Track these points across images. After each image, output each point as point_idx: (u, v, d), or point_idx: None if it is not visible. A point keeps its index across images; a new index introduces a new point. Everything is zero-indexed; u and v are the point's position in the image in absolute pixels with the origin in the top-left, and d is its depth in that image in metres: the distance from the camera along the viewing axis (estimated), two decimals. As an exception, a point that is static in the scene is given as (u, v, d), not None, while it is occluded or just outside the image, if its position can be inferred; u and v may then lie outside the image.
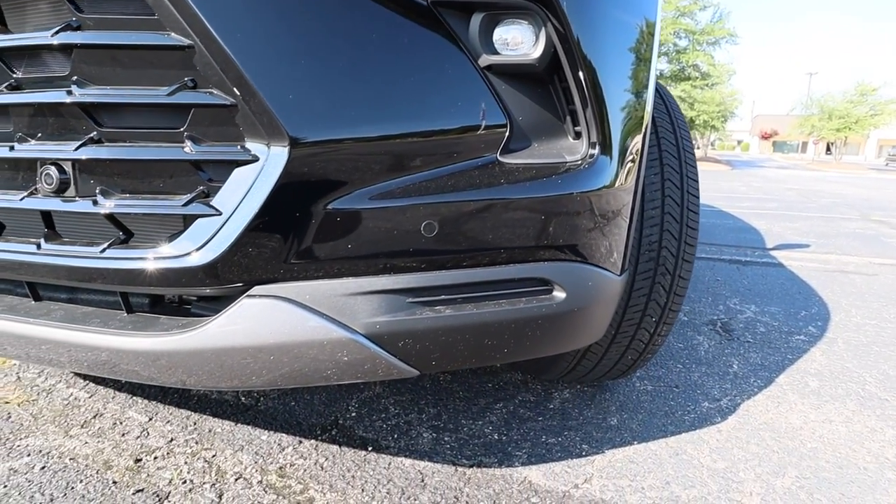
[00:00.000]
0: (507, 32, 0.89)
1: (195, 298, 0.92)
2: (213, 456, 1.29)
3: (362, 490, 1.18)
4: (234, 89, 0.74)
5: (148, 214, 0.81)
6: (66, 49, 0.78)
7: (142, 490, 1.16)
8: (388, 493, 1.17)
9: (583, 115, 0.94)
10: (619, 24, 1.04)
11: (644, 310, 1.34)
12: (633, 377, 1.78)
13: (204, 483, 1.19)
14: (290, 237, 0.78)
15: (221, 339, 0.81)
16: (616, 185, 0.99)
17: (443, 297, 0.86)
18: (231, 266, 0.78)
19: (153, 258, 0.79)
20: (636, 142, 1.05)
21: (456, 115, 0.85)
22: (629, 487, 1.22)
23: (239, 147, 0.77)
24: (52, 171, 0.81)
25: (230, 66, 0.73)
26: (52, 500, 1.11)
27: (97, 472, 1.21)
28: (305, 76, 0.76)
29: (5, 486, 1.15)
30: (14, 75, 0.82)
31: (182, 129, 0.78)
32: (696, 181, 1.40)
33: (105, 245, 0.81)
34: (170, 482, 1.19)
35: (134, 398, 1.55)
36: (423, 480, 1.22)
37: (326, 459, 1.29)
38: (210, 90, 0.76)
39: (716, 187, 10.47)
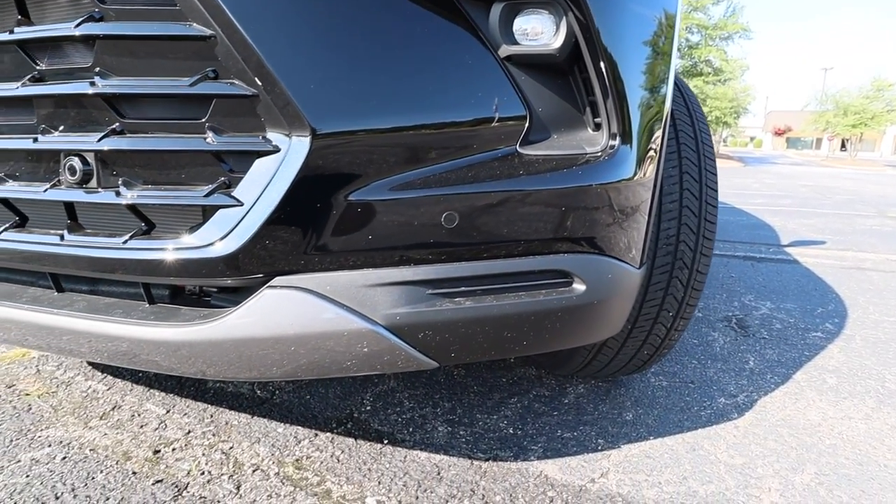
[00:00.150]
0: (527, 22, 0.88)
1: (215, 290, 0.93)
2: (231, 448, 1.30)
3: (379, 482, 1.18)
4: (256, 79, 0.74)
5: (170, 205, 0.81)
6: (88, 40, 0.78)
7: (161, 481, 1.17)
8: (404, 485, 1.17)
9: (603, 107, 0.93)
10: (640, 15, 1.03)
11: (661, 304, 1.33)
12: (647, 373, 1.77)
13: (222, 474, 1.20)
14: (311, 228, 0.78)
15: (243, 330, 0.81)
16: (636, 177, 0.98)
17: (463, 288, 0.86)
18: (252, 257, 0.78)
19: (175, 249, 0.80)
20: (656, 134, 1.04)
21: (476, 106, 0.84)
22: (646, 482, 1.21)
23: (260, 138, 0.78)
24: (76, 162, 0.81)
25: (252, 56, 0.73)
26: (73, 489, 1.12)
27: (117, 463, 1.22)
28: (327, 66, 0.76)
29: (28, 476, 1.16)
30: (37, 67, 0.83)
31: (204, 120, 0.78)
32: (715, 175, 1.38)
33: (128, 236, 0.82)
34: (188, 473, 1.20)
35: (151, 391, 1.56)
36: (439, 473, 1.22)
37: (342, 452, 1.29)
38: (232, 80, 0.76)
39: (728, 184, 10.38)
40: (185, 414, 1.44)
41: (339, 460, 1.26)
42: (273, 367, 0.88)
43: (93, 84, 0.78)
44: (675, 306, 1.34)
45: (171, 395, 1.54)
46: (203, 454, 1.27)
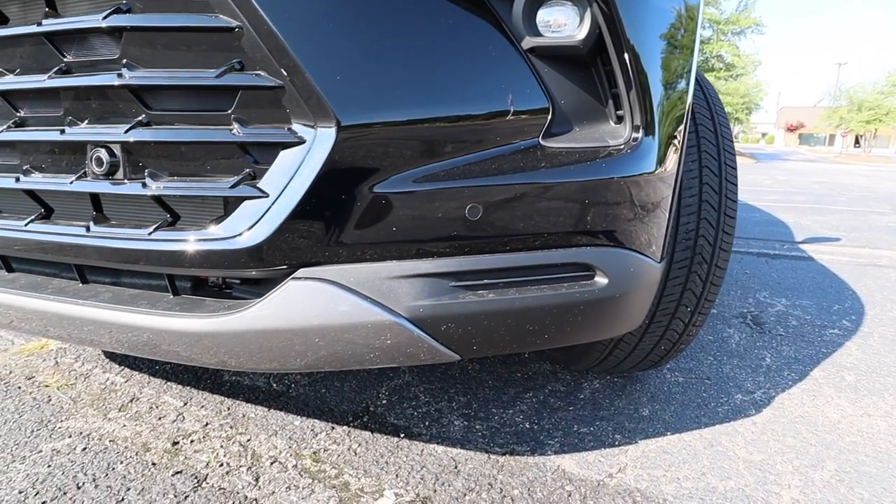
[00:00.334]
0: (550, 14, 0.88)
1: (237, 281, 0.93)
2: (248, 440, 1.31)
3: (396, 476, 1.18)
4: (282, 70, 0.74)
5: (196, 197, 0.81)
6: (115, 32, 0.79)
7: (180, 472, 1.17)
8: (422, 478, 1.18)
9: (626, 99, 0.92)
10: (663, 7, 1.02)
11: (679, 299, 1.32)
12: (663, 369, 1.76)
13: (240, 466, 1.20)
14: (335, 219, 0.78)
15: (268, 321, 0.82)
16: (658, 170, 0.98)
17: (486, 281, 0.86)
18: (277, 248, 0.78)
19: (201, 240, 0.80)
20: (678, 127, 1.04)
21: (500, 99, 0.84)
22: (664, 478, 1.21)
23: (286, 129, 0.78)
24: (102, 153, 0.82)
25: (278, 48, 0.73)
26: (94, 479, 1.14)
27: (136, 454, 1.23)
28: (352, 58, 0.76)
29: (49, 466, 1.18)
30: (64, 59, 0.84)
31: (229, 112, 0.79)
32: (735, 169, 1.37)
33: (153, 227, 0.82)
34: (207, 465, 1.21)
35: (168, 383, 1.57)
36: (456, 467, 1.22)
37: (359, 445, 1.29)
38: (257, 72, 0.76)
39: (740, 180, 10.25)
40: (203, 406, 1.45)
41: (356, 453, 1.26)
42: (295, 359, 0.88)
43: (120, 76, 0.78)
44: (693, 301, 1.33)
45: (189, 387, 1.55)
46: (221, 446, 1.28)
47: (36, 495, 1.08)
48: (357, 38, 0.76)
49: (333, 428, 1.37)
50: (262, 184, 0.78)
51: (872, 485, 1.20)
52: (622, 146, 0.93)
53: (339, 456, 1.25)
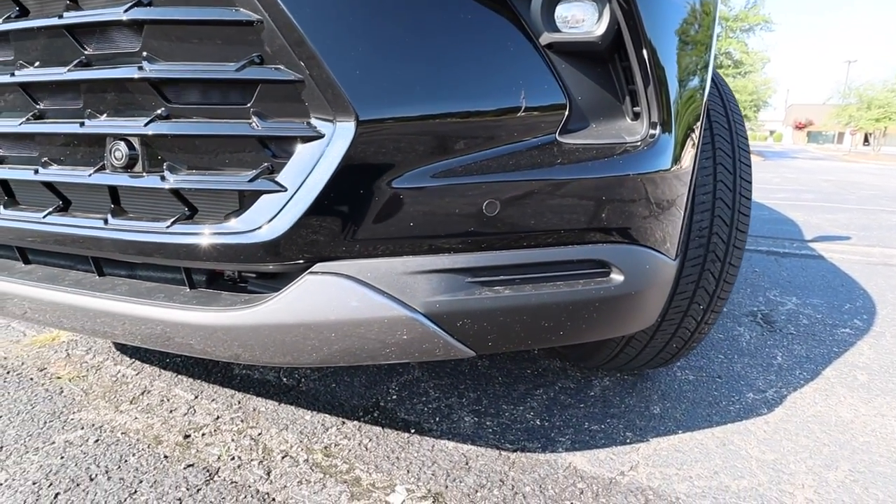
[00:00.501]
0: (568, 10, 0.87)
1: (253, 276, 0.93)
2: (259, 434, 1.31)
3: (407, 471, 1.19)
4: (302, 64, 0.74)
5: (214, 190, 0.82)
6: (135, 25, 0.79)
7: (192, 465, 1.18)
8: (433, 474, 1.18)
9: (643, 95, 0.92)
10: (680, 4, 1.01)
11: (692, 297, 1.31)
12: (673, 367, 1.76)
13: (252, 460, 1.21)
14: (353, 214, 0.78)
15: (284, 315, 0.82)
16: (674, 167, 0.97)
17: (502, 277, 0.86)
18: (295, 243, 0.78)
19: (219, 234, 0.80)
20: (694, 124, 1.03)
21: (517, 94, 0.83)
22: (676, 476, 1.21)
23: (305, 123, 0.78)
24: (122, 146, 0.82)
25: (298, 41, 0.72)
26: (107, 471, 1.14)
27: (148, 447, 1.24)
28: (372, 53, 0.75)
29: (62, 458, 1.18)
30: (84, 52, 0.84)
31: (248, 105, 0.79)
32: (749, 166, 1.36)
33: (171, 220, 0.83)
34: (218, 458, 1.21)
35: (179, 376, 1.58)
36: (467, 463, 1.22)
37: (370, 440, 1.30)
38: (277, 66, 0.76)
39: (748, 179, 10.20)
40: (214, 400, 1.46)
41: (367, 448, 1.27)
42: (309, 353, 0.88)
43: (140, 69, 0.78)
44: (706, 299, 1.32)
45: (199, 381, 1.56)
46: (232, 440, 1.28)
47: (49, 486, 1.09)
48: (377, 33, 0.76)
49: (344, 423, 1.37)
50: (280, 178, 0.78)
51: (888, 485, 1.20)
52: (639, 143, 0.92)
53: (350, 451, 1.25)
